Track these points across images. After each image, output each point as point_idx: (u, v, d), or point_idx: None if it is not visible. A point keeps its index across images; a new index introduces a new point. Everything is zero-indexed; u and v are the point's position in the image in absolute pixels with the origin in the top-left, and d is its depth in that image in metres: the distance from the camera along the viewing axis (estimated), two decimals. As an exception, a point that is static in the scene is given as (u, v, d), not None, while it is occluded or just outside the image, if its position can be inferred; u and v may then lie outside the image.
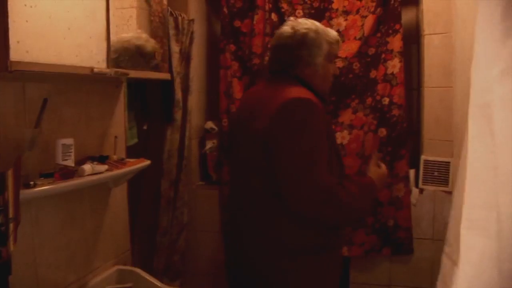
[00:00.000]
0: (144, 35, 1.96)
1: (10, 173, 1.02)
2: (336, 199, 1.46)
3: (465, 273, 0.97)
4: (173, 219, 2.74)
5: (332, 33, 1.75)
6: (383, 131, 2.75)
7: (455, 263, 1.00)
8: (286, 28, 1.71)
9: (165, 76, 1.85)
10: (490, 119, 0.97)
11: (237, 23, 2.93)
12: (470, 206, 0.98)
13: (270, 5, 2.84)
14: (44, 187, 1.19)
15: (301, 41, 1.67)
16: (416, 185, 2.80)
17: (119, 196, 1.67)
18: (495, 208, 0.94)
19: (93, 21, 1.49)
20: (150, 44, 1.96)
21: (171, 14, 2.67)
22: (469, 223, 0.97)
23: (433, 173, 2.74)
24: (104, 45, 1.49)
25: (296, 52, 1.67)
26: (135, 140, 2.13)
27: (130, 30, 2.05)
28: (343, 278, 1.84)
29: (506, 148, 0.96)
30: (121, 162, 1.49)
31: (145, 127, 2.32)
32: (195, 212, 2.98)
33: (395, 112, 2.72)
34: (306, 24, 1.71)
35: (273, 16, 2.84)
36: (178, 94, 2.66)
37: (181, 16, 2.76)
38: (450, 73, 2.65)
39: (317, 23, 1.73)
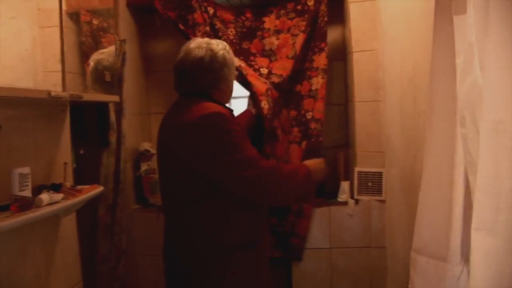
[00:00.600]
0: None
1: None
2: (280, 174, 1.75)
3: (477, 271, 1.07)
4: (112, 246, 2.64)
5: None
6: (305, 144, 2.86)
7: (443, 259, 1.09)
8: (201, 51, 1.80)
9: (115, 98, 1.79)
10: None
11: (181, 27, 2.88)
12: (479, 208, 1.07)
13: (208, 25, 2.83)
14: (7, 222, 1.11)
15: (223, 62, 1.81)
16: (352, 196, 2.90)
17: (69, 226, 1.58)
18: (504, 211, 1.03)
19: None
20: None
21: None
22: (478, 225, 1.07)
23: (367, 184, 2.85)
24: (58, 67, 1.45)
25: (221, 73, 1.82)
26: (73, 166, 2.04)
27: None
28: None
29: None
30: (76, 190, 1.42)
31: (81, 152, 2.23)
32: (133, 236, 2.90)
33: (313, 125, 2.85)
34: (219, 45, 1.85)
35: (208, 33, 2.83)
36: (112, 117, 2.59)
37: (112, 35, 2.71)
38: (378, 88, 2.78)
39: (223, 42, 1.92)
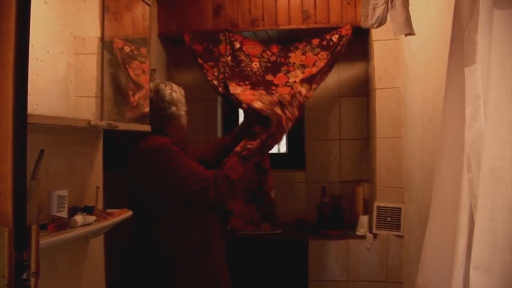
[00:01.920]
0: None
1: (34, 228, 1.01)
2: (223, 175, 1.99)
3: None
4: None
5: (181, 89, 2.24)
6: None
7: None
8: (151, 93, 2.15)
9: (146, 128, 1.92)
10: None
11: (199, 61, 3.01)
12: (478, 248, 1.14)
13: (230, 55, 2.93)
14: (45, 240, 1.19)
15: (170, 101, 2.13)
16: (370, 230, 2.92)
17: (97, 247, 1.65)
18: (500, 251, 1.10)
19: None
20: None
21: None
22: (477, 264, 1.13)
23: (386, 219, 2.86)
24: (91, 93, 1.55)
25: (168, 111, 2.12)
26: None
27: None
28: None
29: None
30: (107, 213, 1.51)
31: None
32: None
33: None
34: (167, 86, 2.18)
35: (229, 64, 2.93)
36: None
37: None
38: (399, 125, 2.83)
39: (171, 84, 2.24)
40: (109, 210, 1.58)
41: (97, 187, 1.62)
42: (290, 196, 3.42)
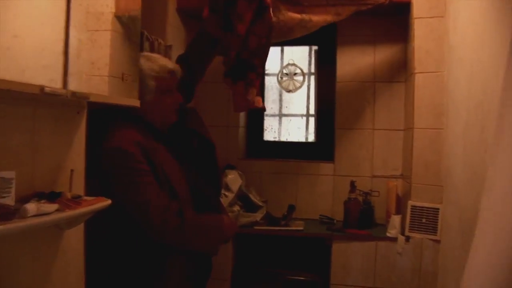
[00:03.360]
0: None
1: None
2: (175, 220, 1.62)
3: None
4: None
5: (161, 66, 1.78)
6: None
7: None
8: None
9: (134, 102, 1.65)
10: None
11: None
12: None
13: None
14: None
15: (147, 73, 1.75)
16: (402, 232, 2.62)
17: (74, 240, 1.41)
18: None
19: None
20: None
21: (147, 39, 2.49)
22: None
23: (420, 220, 2.55)
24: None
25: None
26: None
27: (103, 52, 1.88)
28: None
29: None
30: (75, 201, 1.26)
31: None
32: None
33: None
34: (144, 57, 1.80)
35: None
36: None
37: (157, 41, 2.58)
38: (440, 114, 2.50)
39: (150, 57, 1.81)
40: (82, 198, 1.33)
41: (72, 170, 1.37)
42: (315, 190, 3.15)
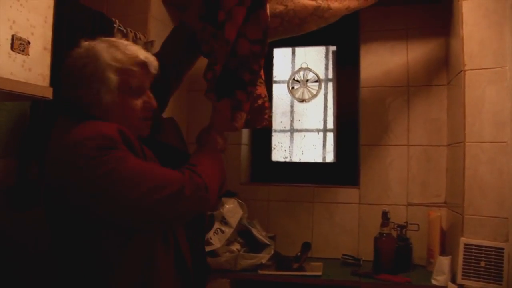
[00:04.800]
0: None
1: None
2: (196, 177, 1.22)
3: None
4: None
5: (128, 56, 1.27)
6: None
7: None
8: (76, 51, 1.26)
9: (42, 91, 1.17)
10: None
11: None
12: None
13: None
14: None
15: (80, 75, 1.22)
16: (453, 280, 2.05)
17: None
18: None
19: None
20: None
21: (120, 31, 2.01)
22: None
23: (478, 264, 1.98)
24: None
25: (77, 91, 1.23)
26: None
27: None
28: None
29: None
30: None
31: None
32: None
33: None
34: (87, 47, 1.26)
35: None
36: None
37: (134, 34, 2.11)
38: (503, 123, 1.94)
39: (114, 43, 1.28)
40: None
41: None
42: (336, 222, 2.60)
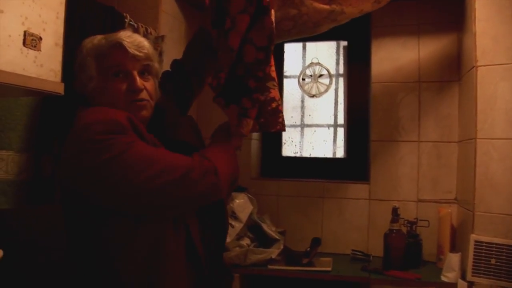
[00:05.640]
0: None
1: None
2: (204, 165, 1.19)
3: None
4: None
5: (102, 39, 1.28)
6: None
7: None
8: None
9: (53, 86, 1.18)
10: None
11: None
12: None
13: None
14: None
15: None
16: (463, 277, 2.03)
17: None
18: None
19: None
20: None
21: (131, 25, 2.01)
22: None
23: (488, 261, 1.96)
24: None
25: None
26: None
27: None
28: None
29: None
30: None
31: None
32: None
33: None
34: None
35: None
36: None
37: (145, 29, 2.10)
38: (516, 121, 1.90)
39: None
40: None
41: None
42: (346, 218, 2.58)
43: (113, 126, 1.10)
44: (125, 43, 1.22)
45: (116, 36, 1.24)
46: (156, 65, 1.35)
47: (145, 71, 1.29)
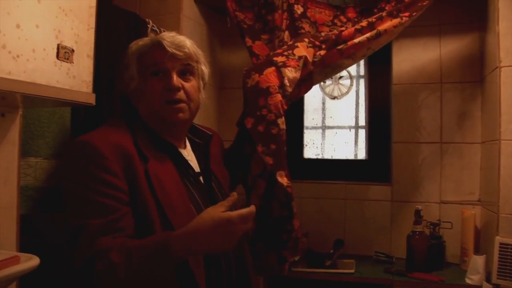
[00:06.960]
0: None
1: None
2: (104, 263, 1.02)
3: None
4: None
5: (143, 41, 1.29)
6: None
7: None
8: None
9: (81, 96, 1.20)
10: None
11: (247, 42, 2.21)
12: None
13: (287, 29, 2.16)
14: None
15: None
16: (488, 279, 2.01)
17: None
18: None
19: None
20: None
21: (153, 30, 2.04)
22: None
23: None
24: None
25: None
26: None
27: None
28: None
29: None
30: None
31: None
32: None
33: None
34: None
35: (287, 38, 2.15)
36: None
37: None
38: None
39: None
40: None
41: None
42: (368, 219, 2.57)
43: (89, 152, 1.09)
44: (164, 42, 1.22)
45: (158, 36, 1.26)
46: (202, 66, 1.33)
47: (187, 72, 1.28)
